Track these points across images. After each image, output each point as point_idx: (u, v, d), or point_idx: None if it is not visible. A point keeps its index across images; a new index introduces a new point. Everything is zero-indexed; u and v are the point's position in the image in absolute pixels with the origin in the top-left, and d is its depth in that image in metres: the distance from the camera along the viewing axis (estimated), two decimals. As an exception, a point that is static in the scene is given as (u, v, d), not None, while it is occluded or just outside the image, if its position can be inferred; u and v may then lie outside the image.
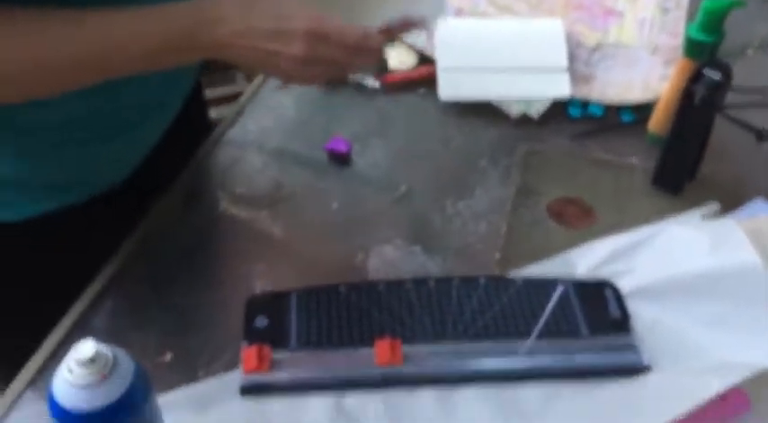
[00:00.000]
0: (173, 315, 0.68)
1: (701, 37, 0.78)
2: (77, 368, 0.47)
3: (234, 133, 0.86)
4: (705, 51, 0.78)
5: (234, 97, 1.78)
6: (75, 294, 0.69)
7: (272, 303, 0.67)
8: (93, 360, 0.47)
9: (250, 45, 0.60)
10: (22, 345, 0.66)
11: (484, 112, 0.89)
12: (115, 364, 0.48)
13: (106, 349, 0.48)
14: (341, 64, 0.64)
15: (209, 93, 0.98)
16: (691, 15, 0.96)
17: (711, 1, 0.77)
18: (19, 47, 0.56)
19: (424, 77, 0.93)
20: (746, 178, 0.82)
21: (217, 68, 1.62)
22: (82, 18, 0.57)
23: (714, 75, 0.74)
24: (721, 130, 0.82)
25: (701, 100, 0.74)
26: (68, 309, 0.68)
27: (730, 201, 0.77)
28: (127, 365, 0.49)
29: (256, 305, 0.67)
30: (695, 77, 0.75)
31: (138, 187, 0.77)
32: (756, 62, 0.99)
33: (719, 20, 0.77)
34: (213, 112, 1.00)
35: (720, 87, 0.75)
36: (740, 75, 0.78)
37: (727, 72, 0.75)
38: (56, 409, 0.48)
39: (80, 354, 0.47)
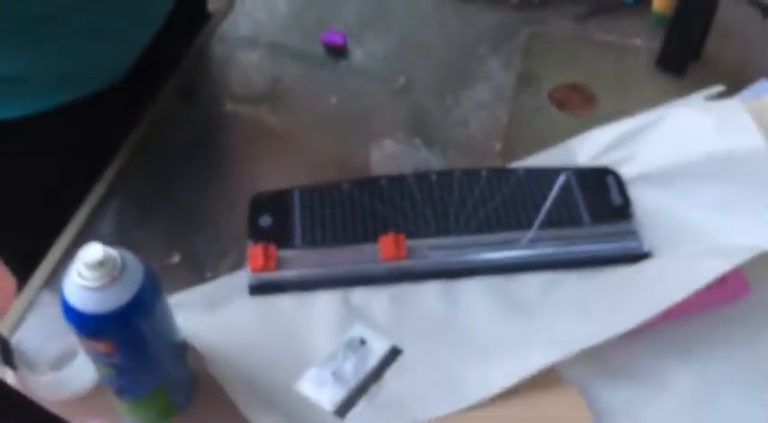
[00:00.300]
0: (178, 215, 0.69)
1: None
2: (87, 271, 0.48)
3: (226, 28, 0.84)
4: (715, -77, 0.75)
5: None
6: (85, 191, 0.70)
7: (276, 201, 0.67)
8: (101, 263, 0.48)
9: None
10: (35, 244, 0.67)
11: (484, -5, 0.86)
12: (124, 266, 0.49)
13: (114, 252, 0.49)
14: None
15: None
16: None
17: None
18: None
19: (419, -39, 0.89)
20: (752, 57, 0.80)
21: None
22: None
23: (723, -51, 0.71)
24: (726, 6, 0.79)
25: (708, -24, 0.72)
26: (78, 207, 0.69)
27: (735, 81, 0.76)
28: (135, 267, 0.50)
29: (260, 204, 0.67)
30: (703, -48, 0.72)
31: (141, 80, 0.75)
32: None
33: None
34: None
35: (729, -38, 0.72)
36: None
37: (736, -55, 0.72)
38: (69, 312, 0.49)
39: (88, 257, 0.48)
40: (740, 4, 0.84)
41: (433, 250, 0.64)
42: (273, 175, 0.71)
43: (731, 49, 0.81)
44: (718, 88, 0.73)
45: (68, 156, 0.73)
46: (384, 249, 0.63)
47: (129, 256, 0.49)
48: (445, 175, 0.69)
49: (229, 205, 0.68)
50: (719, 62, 0.80)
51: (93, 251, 0.47)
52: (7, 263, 0.85)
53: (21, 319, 0.61)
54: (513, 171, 0.69)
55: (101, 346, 0.51)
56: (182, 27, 0.80)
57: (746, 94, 0.75)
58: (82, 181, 0.70)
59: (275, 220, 0.66)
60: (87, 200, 0.69)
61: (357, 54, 0.81)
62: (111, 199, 0.69)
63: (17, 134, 0.71)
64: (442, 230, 0.65)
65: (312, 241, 0.64)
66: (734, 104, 0.69)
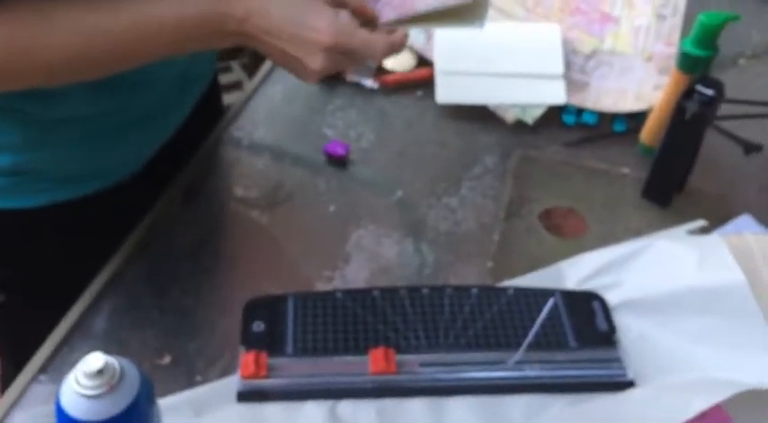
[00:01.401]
0: (172, 316, 0.69)
1: (695, 51, 0.79)
2: (85, 379, 0.49)
3: (234, 133, 0.87)
4: (699, 65, 0.80)
5: (231, 87, 1.77)
6: (84, 286, 0.71)
7: (269, 307, 0.68)
8: (101, 372, 0.49)
9: (274, 44, 0.61)
10: (27, 334, 0.68)
11: (480, 115, 0.90)
12: (122, 374, 0.50)
13: (114, 361, 0.50)
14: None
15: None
16: (686, 23, 0.97)
17: (707, 15, 0.78)
18: (61, 36, 0.57)
19: (421, 79, 0.94)
20: (734, 192, 0.84)
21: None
22: (116, 6, 0.58)
23: (707, 91, 0.76)
24: (710, 141, 0.83)
25: (692, 116, 0.76)
26: (73, 304, 0.69)
27: (718, 215, 0.79)
28: (133, 376, 0.51)
29: (254, 309, 0.68)
30: (688, 93, 0.76)
31: (153, 177, 0.78)
32: (748, 72, 1.01)
33: (714, 35, 0.78)
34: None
35: (712, 104, 0.76)
36: (731, 84, 0.79)
37: (719, 89, 0.76)
38: (63, 418, 0.49)
39: (88, 366, 0.49)
40: (724, 140, 0.89)
41: (422, 367, 0.65)
42: (270, 279, 0.72)
43: (714, 183, 0.85)
44: (701, 223, 0.77)
45: (75, 245, 0.75)
46: (374, 363, 0.64)
47: (128, 365, 0.50)
48: (437, 290, 0.71)
49: (224, 309, 0.69)
50: (703, 195, 0.83)
51: (94, 360, 0.48)
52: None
53: (6, 414, 0.61)
54: (504, 290, 0.71)
55: (89, 452, 0.51)
56: (198, 125, 0.83)
57: (728, 228, 0.78)
58: (85, 274, 0.71)
59: (268, 327, 0.67)
60: (84, 295, 0.70)
61: (357, 165, 0.85)
62: (107, 295, 0.70)
63: (22, 223, 0.73)
64: (432, 346, 0.66)
65: (303, 350, 0.65)
66: (716, 241, 0.72)
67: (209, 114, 0.87)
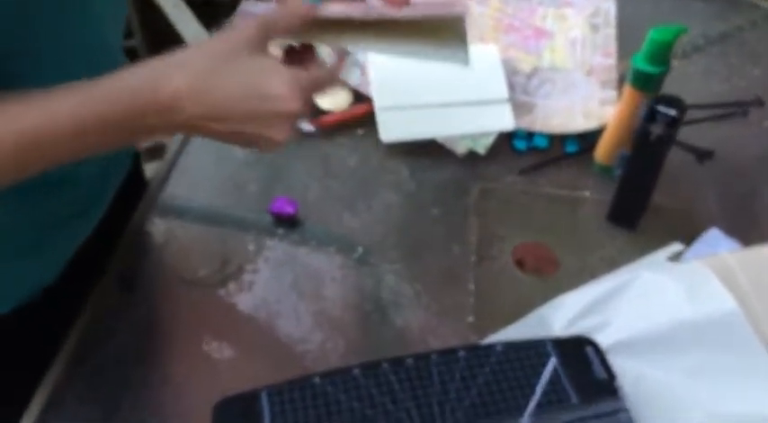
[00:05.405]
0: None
1: (648, 68, 0.76)
2: None
3: (164, 201, 0.78)
4: (652, 82, 0.77)
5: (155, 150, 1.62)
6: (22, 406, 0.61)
7: (242, 408, 0.61)
8: None
9: (222, 129, 0.51)
10: None
11: (431, 149, 0.85)
12: None
13: None
14: None
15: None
16: (621, 33, 0.94)
17: (658, 31, 0.75)
18: None
19: (361, 116, 0.87)
20: (695, 203, 0.82)
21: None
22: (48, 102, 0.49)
23: (669, 111, 0.73)
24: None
25: (657, 138, 0.73)
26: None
27: (685, 230, 0.77)
28: None
29: (224, 412, 0.60)
30: (650, 115, 0.73)
31: (75, 282, 0.68)
32: (681, 72, 0.99)
33: (667, 50, 0.76)
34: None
35: (675, 124, 0.73)
36: (668, 89, 0.76)
37: (681, 107, 0.73)
38: None
39: None
40: (675, 151, 0.87)
41: (424, 454, 0.59)
42: (234, 370, 0.65)
43: (675, 196, 0.82)
44: (677, 247, 0.74)
45: (10, 362, 0.65)
46: (372, 460, 0.58)
47: None
48: (422, 358, 0.65)
49: (187, 417, 0.61)
50: (666, 211, 0.81)
51: None
52: None
53: None
54: (492, 347, 0.66)
55: None
56: (121, 218, 0.74)
57: (699, 247, 0.76)
58: (13, 399, 0.61)
59: (245, 431, 0.59)
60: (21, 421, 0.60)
61: (309, 222, 0.77)
62: (48, 420, 0.60)
63: None
64: (429, 426, 0.61)
65: (290, 456, 0.58)
66: (701, 269, 0.69)
67: (132, 190, 0.77)
